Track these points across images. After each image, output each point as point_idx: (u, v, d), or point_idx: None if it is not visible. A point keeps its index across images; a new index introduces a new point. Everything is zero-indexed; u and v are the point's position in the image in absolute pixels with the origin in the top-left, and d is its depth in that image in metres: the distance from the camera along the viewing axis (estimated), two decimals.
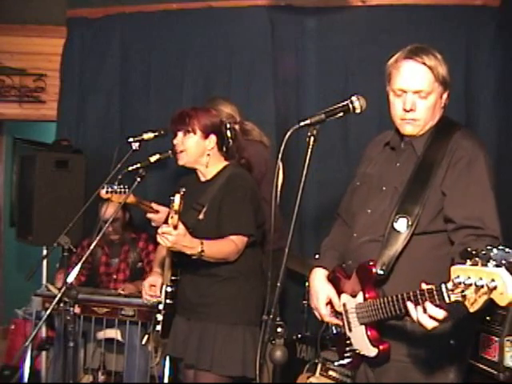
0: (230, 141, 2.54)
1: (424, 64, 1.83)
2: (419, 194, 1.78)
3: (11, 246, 5.18)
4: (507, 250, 1.29)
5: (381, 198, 1.91)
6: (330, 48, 3.80)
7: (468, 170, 1.77)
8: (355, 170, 2.13)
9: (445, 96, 1.89)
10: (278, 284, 1.72)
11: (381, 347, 1.79)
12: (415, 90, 1.83)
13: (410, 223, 1.77)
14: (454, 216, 1.75)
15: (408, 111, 1.84)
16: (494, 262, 1.27)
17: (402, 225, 1.78)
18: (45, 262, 3.52)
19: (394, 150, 1.97)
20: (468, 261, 1.32)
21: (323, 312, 1.97)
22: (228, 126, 2.56)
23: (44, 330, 3.44)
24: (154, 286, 2.50)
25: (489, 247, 1.30)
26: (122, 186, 2.59)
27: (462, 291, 1.31)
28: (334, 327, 2.03)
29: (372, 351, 1.80)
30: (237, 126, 2.73)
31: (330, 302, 1.98)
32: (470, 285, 1.29)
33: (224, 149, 2.52)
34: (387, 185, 1.91)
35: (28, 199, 3.64)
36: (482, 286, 1.26)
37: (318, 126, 1.76)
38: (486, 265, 1.27)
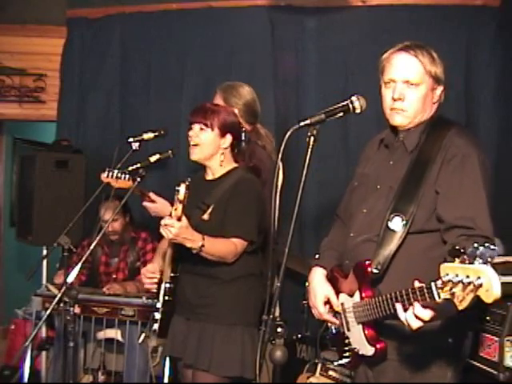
0: (243, 143, 2.54)
1: (415, 56, 1.84)
2: (414, 192, 1.78)
3: (11, 246, 5.18)
4: (492, 247, 1.29)
5: (376, 197, 1.90)
6: (330, 48, 3.81)
7: (461, 168, 1.75)
8: (354, 170, 2.13)
9: (438, 92, 1.88)
10: (278, 284, 1.72)
11: (378, 346, 1.78)
12: (404, 80, 1.84)
13: (404, 222, 1.76)
14: (445, 215, 1.74)
15: (396, 100, 1.85)
16: (481, 260, 1.27)
17: (396, 224, 1.77)
18: (45, 262, 3.52)
19: (388, 147, 1.97)
20: (456, 259, 1.32)
21: (321, 310, 1.98)
22: (243, 128, 2.56)
23: (44, 330, 3.44)
24: (153, 272, 2.50)
25: (475, 245, 1.30)
26: (123, 172, 2.58)
27: (451, 289, 1.32)
28: (333, 327, 2.03)
29: (369, 350, 1.80)
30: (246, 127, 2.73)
31: (328, 301, 1.98)
32: (458, 282, 1.29)
33: (236, 150, 2.52)
34: (382, 183, 1.91)
35: (28, 199, 3.64)
36: (469, 284, 1.27)
37: (317, 126, 1.76)
38: (472, 262, 1.28)
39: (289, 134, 1.73)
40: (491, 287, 1.24)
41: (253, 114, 2.86)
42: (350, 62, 3.72)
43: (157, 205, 2.64)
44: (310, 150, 1.75)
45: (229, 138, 2.44)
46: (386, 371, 1.82)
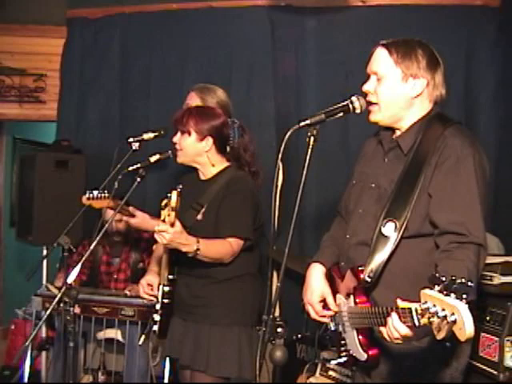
0: (234, 142, 2.54)
1: (385, 48, 1.83)
2: (408, 196, 1.73)
3: (11, 246, 5.18)
4: (469, 283, 1.26)
5: (370, 196, 1.88)
6: (330, 48, 3.80)
7: (455, 171, 1.70)
8: (354, 168, 2.12)
9: (416, 85, 1.81)
10: (278, 284, 1.71)
11: (370, 352, 1.76)
12: (372, 71, 1.85)
13: (397, 227, 1.72)
14: (437, 220, 1.70)
15: (366, 93, 1.85)
16: (454, 295, 1.25)
17: (389, 229, 1.74)
18: (45, 262, 3.52)
19: (382, 145, 1.94)
20: (436, 286, 1.30)
21: (317, 308, 1.96)
22: (235, 125, 2.56)
23: (44, 329, 3.44)
24: (151, 285, 2.50)
25: (453, 277, 1.27)
26: (102, 192, 2.59)
27: (429, 318, 1.30)
28: (331, 324, 2.01)
29: (362, 356, 1.78)
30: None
31: (323, 300, 1.97)
32: (435, 313, 1.27)
33: (228, 149, 2.52)
34: (376, 182, 1.88)
35: (28, 199, 3.64)
36: (445, 317, 1.25)
37: (317, 126, 1.76)
38: (449, 295, 1.26)
39: (289, 134, 1.73)
40: (463, 326, 1.21)
41: (227, 114, 2.86)
42: (349, 61, 3.71)
43: (137, 219, 2.63)
44: (309, 150, 1.74)
45: (209, 140, 2.43)
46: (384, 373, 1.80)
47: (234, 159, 2.54)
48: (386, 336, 1.52)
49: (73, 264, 2.48)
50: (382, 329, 1.54)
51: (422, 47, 1.84)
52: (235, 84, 3.86)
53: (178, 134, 2.46)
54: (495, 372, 2.27)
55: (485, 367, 2.31)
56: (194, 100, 2.74)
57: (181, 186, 2.08)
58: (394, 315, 1.47)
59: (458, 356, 1.78)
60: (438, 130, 1.79)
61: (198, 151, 2.44)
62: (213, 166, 2.47)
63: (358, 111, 1.83)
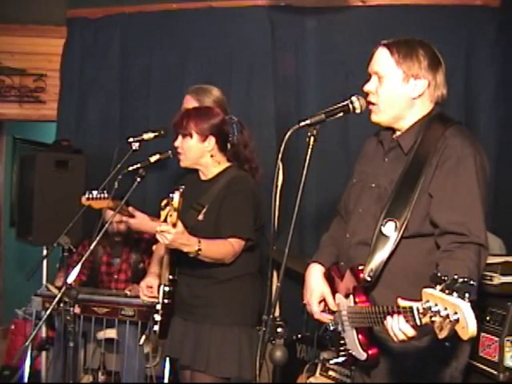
0: (234, 138, 2.54)
1: (387, 48, 1.83)
2: (408, 195, 1.73)
3: (11, 246, 5.19)
4: (472, 282, 1.26)
5: (370, 196, 1.88)
6: (330, 48, 3.81)
7: (455, 171, 1.70)
8: (354, 167, 2.12)
9: (417, 86, 1.81)
10: (278, 284, 1.71)
11: (370, 352, 1.76)
12: (373, 72, 1.85)
13: (397, 227, 1.72)
14: (438, 220, 1.70)
15: (367, 93, 1.85)
16: (456, 294, 1.25)
17: (389, 229, 1.73)
18: (45, 262, 3.52)
19: (383, 145, 1.94)
20: (438, 286, 1.30)
21: (315, 309, 1.97)
22: (233, 121, 2.56)
23: (44, 330, 3.44)
24: (151, 287, 2.50)
25: (455, 276, 1.27)
26: (101, 192, 2.58)
27: (431, 317, 1.30)
28: (331, 323, 2.00)
29: (362, 355, 1.78)
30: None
31: (323, 300, 1.97)
32: (437, 312, 1.27)
33: (229, 146, 2.52)
34: (376, 182, 1.88)
35: (28, 199, 3.64)
36: (447, 316, 1.25)
37: (317, 126, 1.76)
38: (451, 293, 1.26)
39: (289, 134, 1.73)
40: (466, 325, 1.22)
41: (224, 111, 2.86)
42: (349, 61, 3.72)
43: (136, 220, 2.63)
44: (309, 150, 1.74)
45: (211, 139, 2.43)
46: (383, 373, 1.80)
47: (235, 157, 2.53)
48: (392, 334, 1.52)
49: (73, 264, 2.48)
50: (389, 319, 1.54)
51: (424, 47, 1.83)
52: (235, 84, 3.86)
53: (179, 137, 2.45)
54: (495, 372, 2.27)
55: (485, 367, 2.31)
56: (190, 103, 2.74)
57: (183, 187, 2.09)
58: (400, 317, 1.47)
59: (458, 355, 1.78)
60: (439, 130, 1.79)
61: (201, 152, 2.44)
62: (215, 166, 2.47)
63: (357, 111, 1.83)
